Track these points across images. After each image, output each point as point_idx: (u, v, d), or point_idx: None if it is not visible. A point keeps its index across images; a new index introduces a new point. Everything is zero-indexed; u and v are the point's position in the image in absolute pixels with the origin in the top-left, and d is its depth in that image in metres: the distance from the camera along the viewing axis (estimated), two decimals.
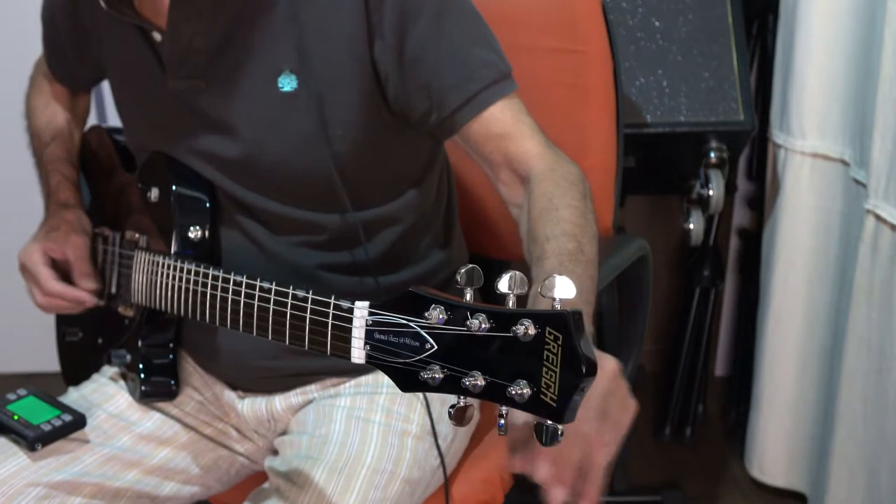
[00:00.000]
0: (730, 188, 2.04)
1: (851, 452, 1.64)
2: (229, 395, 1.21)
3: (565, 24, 1.36)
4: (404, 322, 0.72)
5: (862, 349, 1.59)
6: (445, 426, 1.16)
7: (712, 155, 1.72)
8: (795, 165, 1.75)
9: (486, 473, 1.24)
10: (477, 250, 1.40)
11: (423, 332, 0.70)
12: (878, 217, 1.51)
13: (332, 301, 0.80)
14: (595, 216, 1.00)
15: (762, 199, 1.96)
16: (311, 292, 0.83)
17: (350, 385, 1.17)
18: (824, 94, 1.68)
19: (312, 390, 1.18)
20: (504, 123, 1.03)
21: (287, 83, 1.03)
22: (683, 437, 2.17)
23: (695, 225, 1.80)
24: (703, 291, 2.06)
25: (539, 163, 1.02)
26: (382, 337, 0.74)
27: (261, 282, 0.91)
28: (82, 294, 1.20)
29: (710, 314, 2.08)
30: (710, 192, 1.72)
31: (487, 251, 1.47)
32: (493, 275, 1.65)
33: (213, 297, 0.98)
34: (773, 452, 1.92)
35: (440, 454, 1.13)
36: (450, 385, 0.69)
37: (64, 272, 1.21)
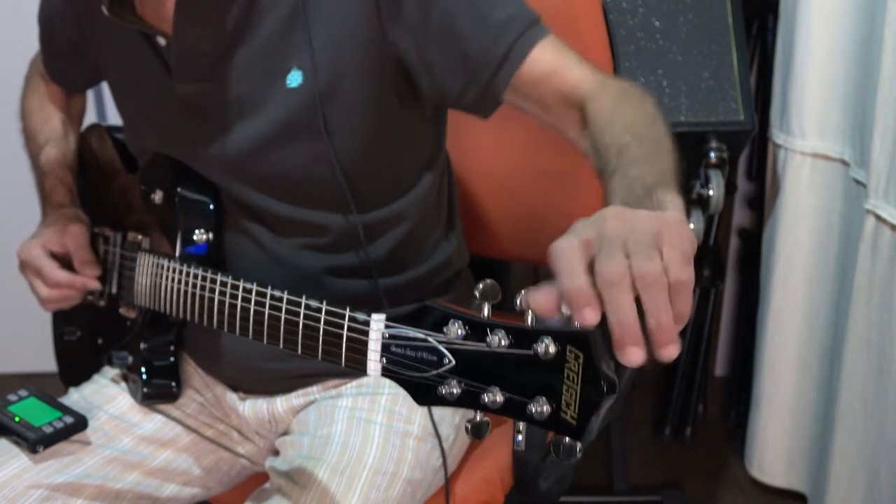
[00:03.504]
0: (730, 188, 2.04)
1: (851, 452, 1.64)
2: (230, 397, 1.21)
3: (565, 24, 1.36)
4: (422, 337, 0.71)
5: (862, 349, 1.59)
6: (447, 427, 1.16)
7: (712, 155, 1.72)
8: (795, 165, 1.75)
9: (487, 473, 1.24)
10: (477, 250, 1.40)
11: (441, 348, 0.70)
12: (878, 217, 1.51)
13: (348, 312, 0.79)
14: (654, 107, 0.93)
15: (762, 199, 1.96)
16: (324, 302, 0.82)
17: (352, 386, 1.17)
18: (824, 94, 1.68)
19: (314, 391, 1.18)
20: (545, 63, 0.99)
21: (293, 79, 1.03)
22: (683, 437, 2.17)
23: (695, 225, 1.79)
24: (703, 291, 2.06)
25: (589, 85, 0.98)
26: (399, 350, 0.73)
27: (272, 290, 0.90)
28: (87, 280, 1.20)
29: (710, 314, 2.08)
30: (710, 192, 1.72)
31: (487, 251, 1.47)
32: (493, 275, 1.66)
33: (222, 303, 0.98)
34: (773, 452, 1.92)
35: (443, 455, 1.13)
36: (468, 400, 0.68)
37: (64, 265, 1.21)
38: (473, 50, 0.99)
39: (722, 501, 2.00)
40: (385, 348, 0.74)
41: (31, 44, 1.35)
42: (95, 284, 1.21)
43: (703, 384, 2.16)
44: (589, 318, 0.63)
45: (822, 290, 1.77)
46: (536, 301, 0.66)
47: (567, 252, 0.64)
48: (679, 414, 2.16)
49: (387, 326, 0.74)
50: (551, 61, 0.99)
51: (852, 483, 1.65)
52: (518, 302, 0.67)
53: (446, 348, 0.70)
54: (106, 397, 1.21)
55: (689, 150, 1.73)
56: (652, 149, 0.84)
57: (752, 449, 1.96)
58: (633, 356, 0.63)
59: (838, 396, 1.65)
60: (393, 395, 1.15)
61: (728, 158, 1.72)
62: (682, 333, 2.14)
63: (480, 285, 0.69)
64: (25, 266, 1.21)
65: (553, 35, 1.01)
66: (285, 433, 1.20)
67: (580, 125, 0.98)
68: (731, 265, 2.28)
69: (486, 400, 0.67)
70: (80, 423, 1.13)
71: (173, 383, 1.20)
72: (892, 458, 1.54)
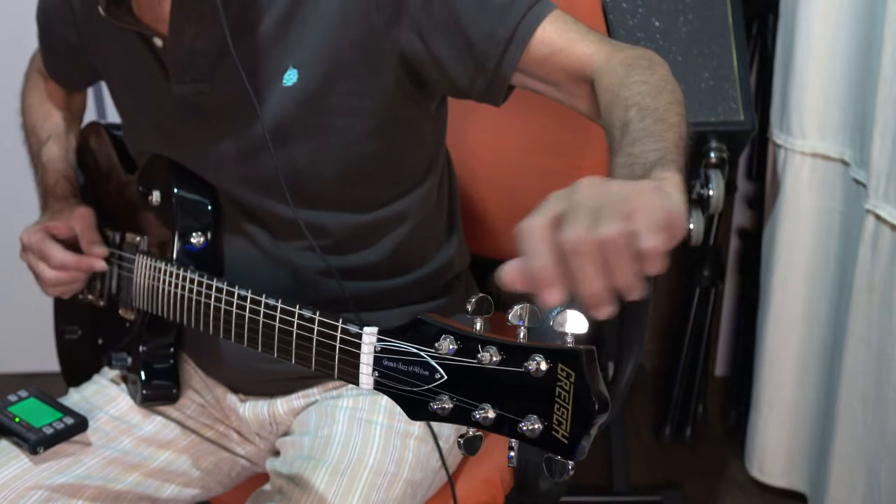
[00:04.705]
0: (730, 188, 2.04)
1: (851, 452, 1.64)
2: (231, 398, 1.21)
3: None
4: (414, 351, 0.71)
5: (862, 349, 1.59)
6: (448, 428, 1.16)
7: (712, 155, 1.72)
8: (795, 165, 1.75)
9: (487, 474, 1.24)
10: (478, 251, 1.40)
11: (433, 362, 0.70)
12: (878, 217, 1.51)
13: (340, 325, 0.79)
14: (665, 74, 0.91)
15: (762, 199, 1.96)
16: (318, 313, 0.82)
17: (352, 387, 1.17)
18: (824, 94, 1.68)
19: (314, 392, 1.18)
20: (550, 42, 0.97)
21: (290, 78, 1.03)
22: (683, 437, 2.17)
23: (695, 225, 1.79)
24: (703, 291, 2.06)
25: (595, 60, 0.95)
26: (391, 364, 0.73)
27: (266, 297, 0.90)
28: (94, 261, 1.18)
29: (710, 314, 2.08)
30: (710, 192, 1.72)
31: (488, 252, 1.46)
32: (493, 275, 1.64)
33: (217, 308, 0.98)
34: (773, 452, 1.92)
35: (442, 458, 1.13)
36: (459, 416, 0.69)
37: (69, 249, 1.20)
38: (477, 36, 0.98)
39: (722, 501, 2.00)
40: (377, 362, 0.74)
41: (30, 42, 1.35)
42: (102, 265, 1.19)
43: (703, 384, 2.16)
44: (552, 298, 0.63)
45: (822, 290, 1.77)
46: (506, 275, 0.65)
47: (532, 232, 0.64)
48: (679, 414, 2.16)
49: (379, 340, 0.74)
50: (557, 39, 0.97)
51: (852, 483, 1.65)
52: (509, 317, 0.67)
53: (438, 363, 0.70)
54: (106, 398, 1.21)
55: (690, 150, 1.73)
56: (655, 123, 0.82)
57: (752, 449, 1.96)
58: (604, 313, 0.63)
59: (838, 396, 1.65)
60: None
61: (728, 158, 1.73)
62: (682, 333, 2.12)
63: (473, 299, 0.69)
64: (28, 249, 1.19)
65: (558, 10, 0.99)
66: (286, 434, 1.19)
67: (591, 100, 0.96)
68: (731, 265, 2.28)
69: (478, 416, 0.67)
70: (81, 425, 1.13)
71: (173, 385, 1.19)
72: (892, 458, 1.54)
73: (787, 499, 1.93)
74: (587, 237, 0.62)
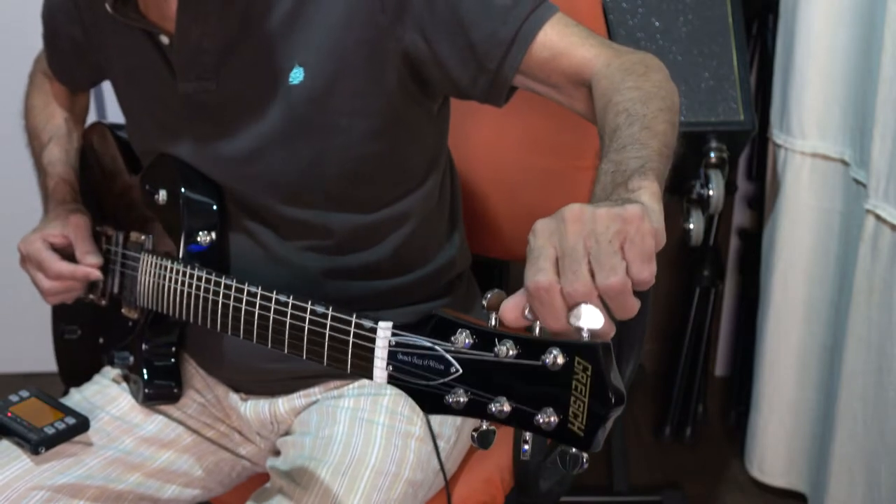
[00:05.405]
0: (730, 188, 2.04)
1: (851, 452, 1.64)
2: (232, 398, 1.21)
3: None
4: (429, 345, 0.71)
5: (862, 349, 1.59)
6: (448, 428, 1.16)
7: (712, 155, 1.72)
8: (795, 165, 1.76)
9: (488, 474, 1.24)
10: (479, 251, 1.40)
11: (448, 356, 0.70)
12: (878, 217, 1.51)
13: (354, 319, 0.79)
14: (661, 79, 0.92)
15: (762, 199, 1.96)
16: (331, 308, 0.82)
17: (354, 387, 1.17)
18: (824, 94, 1.69)
19: (316, 392, 1.18)
20: (551, 45, 0.98)
21: (296, 77, 1.03)
22: (683, 437, 2.17)
23: (695, 225, 1.80)
24: (703, 291, 2.06)
25: (594, 64, 0.96)
26: (406, 358, 0.73)
27: (277, 293, 0.90)
28: (89, 270, 1.19)
29: (710, 314, 2.08)
30: (710, 192, 1.72)
31: (489, 252, 1.47)
32: (494, 275, 1.65)
33: (226, 306, 0.97)
34: (773, 452, 1.92)
35: (439, 459, 1.13)
36: (475, 409, 0.69)
37: (66, 258, 1.20)
38: (479, 38, 0.98)
39: (722, 501, 2.00)
40: (392, 356, 0.74)
41: (33, 43, 1.35)
42: (97, 275, 1.20)
43: (703, 384, 2.16)
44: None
45: (822, 290, 1.77)
46: (507, 315, 0.68)
47: (548, 296, 0.66)
48: (679, 414, 2.16)
49: (393, 334, 0.74)
50: (558, 42, 0.98)
51: (852, 483, 1.65)
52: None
53: (453, 357, 0.70)
54: (107, 398, 1.21)
55: (689, 150, 1.73)
56: (641, 130, 0.83)
57: (752, 449, 1.96)
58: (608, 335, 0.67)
59: (838, 396, 1.65)
60: (395, 396, 1.14)
61: (728, 158, 1.73)
62: (682, 333, 2.12)
63: (488, 295, 0.69)
64: (27, 259, 1.21)
65: (559, 13, 1.00)
66: (287, 433, 1.19)
67: (590, 103, 0.97)
68: (731, 265, 2.28)
69: (493, 409, 0.67)
70: (82, 425, 1.13)
71: (175, 385, 1.20)
72: (892, 458, 1.54)
73: (787, 499, 1.93)
74: (590, 289, 0.65)
